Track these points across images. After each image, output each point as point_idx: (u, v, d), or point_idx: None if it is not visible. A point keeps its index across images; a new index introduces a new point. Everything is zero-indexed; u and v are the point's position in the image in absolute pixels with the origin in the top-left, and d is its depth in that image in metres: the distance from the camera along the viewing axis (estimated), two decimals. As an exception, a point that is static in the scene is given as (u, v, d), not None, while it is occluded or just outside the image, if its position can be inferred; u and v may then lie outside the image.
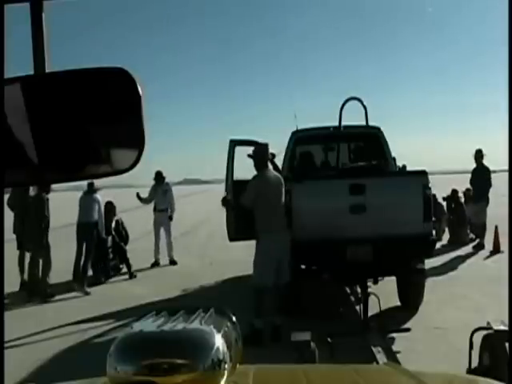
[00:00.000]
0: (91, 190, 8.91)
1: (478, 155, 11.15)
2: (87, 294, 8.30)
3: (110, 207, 9.68)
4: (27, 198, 8.36)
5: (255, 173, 5.94)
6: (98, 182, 8.80)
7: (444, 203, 12.92)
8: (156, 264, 10.75)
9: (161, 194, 10.71)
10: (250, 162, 6.00)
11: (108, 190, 11.36)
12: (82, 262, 8.74)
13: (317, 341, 2.84)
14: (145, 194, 10.93)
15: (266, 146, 6.00)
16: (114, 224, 9.72)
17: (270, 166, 6.08)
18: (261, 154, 5.92)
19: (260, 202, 5.64)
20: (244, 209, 5.84)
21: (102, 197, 9.05)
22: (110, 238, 9.46)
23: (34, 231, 8.15)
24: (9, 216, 8.55)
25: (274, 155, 6.17)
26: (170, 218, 10.97)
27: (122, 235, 9.93)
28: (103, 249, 9.22)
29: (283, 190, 5.87)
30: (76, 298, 8.12)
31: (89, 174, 0.87)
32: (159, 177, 10.77)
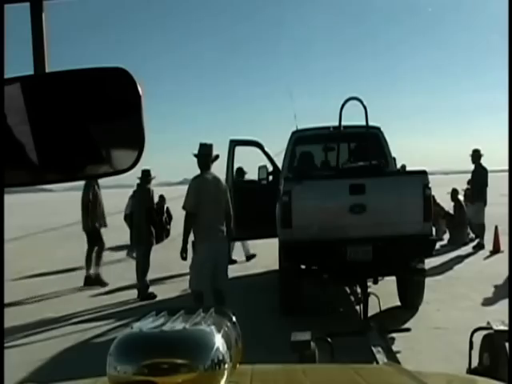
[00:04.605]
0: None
1: (475, 155, 10.95)
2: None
3: (162, 198, 13.71)
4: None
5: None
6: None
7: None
8: None
9: None
10: (250, 162, 5.89)
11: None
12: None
13: (317, 341, 2.84)
14: None
15: (210, 146, 5.78)
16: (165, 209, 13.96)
17: (212, 169, 5.83)
18: (204, 154, 5.70)
19: (199, 207, 5.49)
20: (191, 214, 5.51)
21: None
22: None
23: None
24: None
25: (217, 156, 5.87)
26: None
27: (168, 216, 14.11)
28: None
29: (224, 193, 5.77)
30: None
31: (89, 174, 0.87)
32: None
